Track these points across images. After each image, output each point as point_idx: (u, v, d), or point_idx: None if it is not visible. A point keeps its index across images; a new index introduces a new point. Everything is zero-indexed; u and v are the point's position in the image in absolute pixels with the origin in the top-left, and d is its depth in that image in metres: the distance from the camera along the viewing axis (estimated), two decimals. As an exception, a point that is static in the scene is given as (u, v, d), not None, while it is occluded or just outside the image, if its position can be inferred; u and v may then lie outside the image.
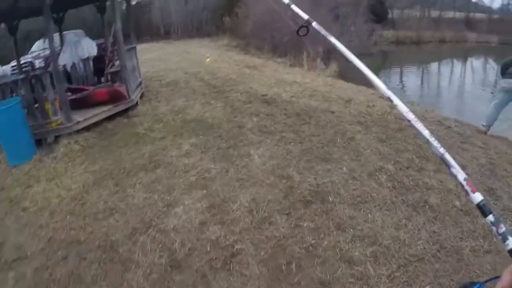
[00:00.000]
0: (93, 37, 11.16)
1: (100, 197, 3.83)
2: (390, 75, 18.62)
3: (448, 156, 0.64)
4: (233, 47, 20.62)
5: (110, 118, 6.17)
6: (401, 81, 16.50)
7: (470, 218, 2.96)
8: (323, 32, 1.06)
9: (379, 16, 26.32)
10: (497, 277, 0.52)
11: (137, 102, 6.79)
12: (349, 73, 14.53)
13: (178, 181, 3.87)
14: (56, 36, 9.56)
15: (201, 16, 33.60)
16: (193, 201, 3.47)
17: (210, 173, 3.89)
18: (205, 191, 3.59)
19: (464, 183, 0.63)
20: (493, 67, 23.80)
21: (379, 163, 3.80)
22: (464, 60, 25.22)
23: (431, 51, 26.02)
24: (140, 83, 7.88)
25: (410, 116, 0.74)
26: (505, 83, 5.51)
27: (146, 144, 5.01)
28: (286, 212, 3.08)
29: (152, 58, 14.06)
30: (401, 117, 4.48)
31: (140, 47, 20.79)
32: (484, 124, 5.54)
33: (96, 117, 5.91)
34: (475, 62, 25.43)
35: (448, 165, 0.66)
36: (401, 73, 18.43)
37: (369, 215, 2.99)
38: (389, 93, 0.82)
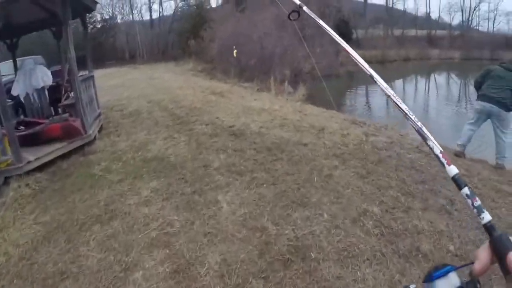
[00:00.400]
0: (55, 63, 10.54)
1: (50, 256, 3.30)
2: (356, 95, 18.95)
3: (424, 129, 0.67)
4: (199, 71, 20.40)
5: (65, 155, 5.66)
6: (367, 102, 16.73)
7: (466, 263, 2.71)
8: (313, 15, 1.09)
9: (344, 36, 26.53)
10: (472, 263, 0.51)
11: (94, 137, 6.28)
12: (317, 95, 14.64)
13: (137, 237, 3.41)
14: (10, 63, 8.91)
15: (167, 39, 34.01)
16: (155, 263, 3.03)
17: (173, 227, 3.46)
18: (168, 251, 3.15)
19: (440, 155, 0.64)
20: (456, 82, 25.16)
21: (363, 205, 3.53)
22: (428, 77, 26.34)
23: (396, 69, 26.96)
24: (99, 115, 7.37)
25: (390, 91, 0.78)
26: (478, 105, 5.59)
27: (103, 188, 4.52)
28: (263, 275, 2.70)
29: (115, 85, 13.61)
30: (377, 145, 4.25)
31: (104, 72, 20.53)
32: (459, 143, 5.63)
33: (49, 156, 5.39)
34: (439, 78, 26.69)
35: (424, 138, 0.68)
36: (367, 93, 18.74)
37: (358, 272, 2.67)
38: (371, 71, 0.87)
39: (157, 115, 7.94)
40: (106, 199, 4.23)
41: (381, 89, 0.82)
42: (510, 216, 3.69)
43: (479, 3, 41.92)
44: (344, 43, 0.98)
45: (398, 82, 23.63)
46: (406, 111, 0.73)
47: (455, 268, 0.58)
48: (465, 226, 3.30)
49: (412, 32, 38.03)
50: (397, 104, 0.76)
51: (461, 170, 4.83)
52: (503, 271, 0.49)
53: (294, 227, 3.19)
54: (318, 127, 6.63)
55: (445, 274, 0.57)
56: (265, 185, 4.03)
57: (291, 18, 1.24)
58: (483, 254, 0.52)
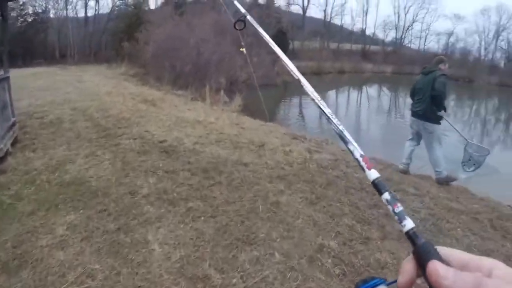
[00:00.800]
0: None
1: None
2: (291, 106, 19.20)
3: (346, 133, 0.66)
4: (131, 76, 19.18)
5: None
6: (301, 113, 16.97)
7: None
8: (255, 25, 1.10)
9: (281, 46, 27.40)
10: None
11: (7, 152, 5.23)
12: (253, 106, 14.46)
13: (50, 296, 2.70)
14: None
15: (101, 40, 32.49)
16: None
17: (95, 279, 2.77)
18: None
19: (360, 159, 0.63)
20: (387, 95, 26.79)
21: (318, 239, 3.18)
22: (361, 89, 27.78)
23: (331, 81, 27.94)
24: (13, 125, 6.18)
25: (315, 95, 0.79)
26: (410, 120, 5.70)
27: (11, 223, 3.62)
28: None
29: (40, 87, 12.12)
30: (322, 164, 3.95)
31: (31, 71, 18.48)
32: (403, 161, 5.66)
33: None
34: (371, 90, 28.40)
35: (345, 141, 0.66)
36: (301, 104, 19.07)
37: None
38: (298, 75, 0.86)
39: (80, 126, 7.02)
40: (14, 238, 3.38)
41: (307, 92, 0.83)
42: (467, 237, 3.63)
43: (413, 22, 46.14)
44: (280, 50, 0.99)
45: (333, 94, 24.48)
46: (329, 115, 0.73)
47: (384, 281, 0.52)
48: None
49: (347, 46, 40.10)
50: (320, 108, 0.77)
51: (411, 188, 4.78)
52: (428, 283, 0.42)
53: (242, 273, 2.70)
54: (257, 143, 6.27)
55: (373, 287, 0.51)
56: (203, 218, 3.51)
57: (237, 27, 1.26)
58: (407, 266, 0.46)
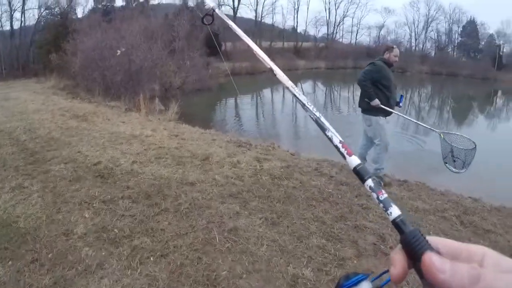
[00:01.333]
0: None
1: None
2: (226, 108, 18.87)
3: (323, 119, 0.64)
4: (61, 89, 17.73)
5: None
6: (237, 115, 16.75)
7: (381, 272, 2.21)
8: (224, 17, 1.07)
9: (214, 49, 27.06)
10: (386, 271, 0.47)
11: None
12: (190, 110, 13.92)
13: None
14: None
15: (28, 53, 30.94)
16: None
17: None
18: None
19: (339, 145, 0.61)
20: (322, 89, 27.62)
21: (289, 268, 2.80)
22: (296, 86, 28.33)
23: (265, 79, 28.04)
24: None
25: (289, 83, 0.76)
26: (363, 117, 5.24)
27: None
28: None
29: None
30: (275, 174, 3.55)
31: None
32: (378, 168, 5.09)
33: None
34: (305, 86, 29.13)
35: (322, 129, 0.64)
36: (236, 105, 19.00)
37: None
38: (271, 64, 0.84)
39: (5, 152, 6.04)
40: None
41: (280, 81, 0.80)
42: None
43: (344, 17, 47.90)
44: (251, 41, 0.92)
45: (268, 93, 24.68)
46: (304, 102, 0.70)
47: (367, 277, 0.51)
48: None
49: (279, 44, 40.72)
50: (295, 95, 0.73)
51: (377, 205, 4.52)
52: (418, 274, 0.42)
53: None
54: (201, 155, 5.80)
55: (356, 283, 0.51)
56: (152, 259, 2.97)
57: (205, 22, 1.20)
58: (397, 257, 0.44)
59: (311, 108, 0.69)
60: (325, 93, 26.40)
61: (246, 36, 0.96)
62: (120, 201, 4.06)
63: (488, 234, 3.79)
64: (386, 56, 5.00)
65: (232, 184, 4.56)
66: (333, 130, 0.63)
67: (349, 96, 24.51)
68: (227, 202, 3.99)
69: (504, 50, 47.38)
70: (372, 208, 3.98)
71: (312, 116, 0.68)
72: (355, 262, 2.95)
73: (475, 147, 4.38)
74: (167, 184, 4.52)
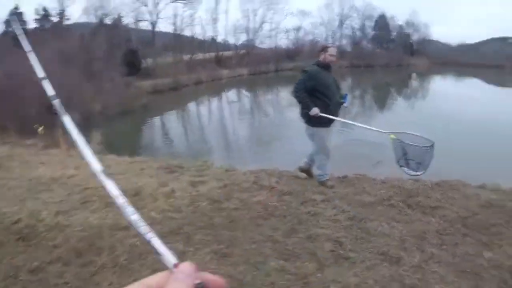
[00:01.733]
0: None
1: None
2: (153, 129, 18.30)
3: (155, 241, 0.52)
4: None
5: None
6: (165, 134, 16.40)
7: None
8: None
9: (133, 67, 26.04)
10: None
11: None
12: (115, 138, 13.19)
13: None
14: None
15: None
16: None
17: None
18: None
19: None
20: (247, 96, 27.93)
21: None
22: (220, 96, 28.44)
23: (189, 93, 27.71)
24: None
25: (120, 200, 0.58)
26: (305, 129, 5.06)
27: None
28: None
29: None
30: (213, 197, 3.30)
31: None
32: (321, 175, 4.96)
33: None
34: (230, 95, 29.41)
35: (156, 252, 0.51)
36: (163, 124, 18.64)
37: None
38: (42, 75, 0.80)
39: None
40: None
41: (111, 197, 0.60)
42: (395, 228, 3.58)
43: (262, 23, 49.13)
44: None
45: (193, 107, 24.20)
46: (135, 223, 0.54)
47: None
48: (372, 267, 2.92)
49: (200, 56, 40.62)
50: (127, 217, 0.56)
51: (316, 195, 4.44)
52: None
53: None
54: (131, 190, 5.21)
55: None
56: None
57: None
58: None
59: (141, 229, 0.53)
60: (250, 99, 26.77)
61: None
62: (49, 267, 3.40)
63: (436, 211, 3.90)
64: (321, 57, 4.80)
65: (170, 218, 4.17)
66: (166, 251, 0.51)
67: (273, 99, 24.87)
68: (169, 242, 3.60)
69: (413, 38, 54.16)
70: (320, 213, 3.88)
71: (146, 238, 0.54)
72: (319, 276, 2.80)
73: (433, 145, 3.95)
74: (99, 234, 3.97)
